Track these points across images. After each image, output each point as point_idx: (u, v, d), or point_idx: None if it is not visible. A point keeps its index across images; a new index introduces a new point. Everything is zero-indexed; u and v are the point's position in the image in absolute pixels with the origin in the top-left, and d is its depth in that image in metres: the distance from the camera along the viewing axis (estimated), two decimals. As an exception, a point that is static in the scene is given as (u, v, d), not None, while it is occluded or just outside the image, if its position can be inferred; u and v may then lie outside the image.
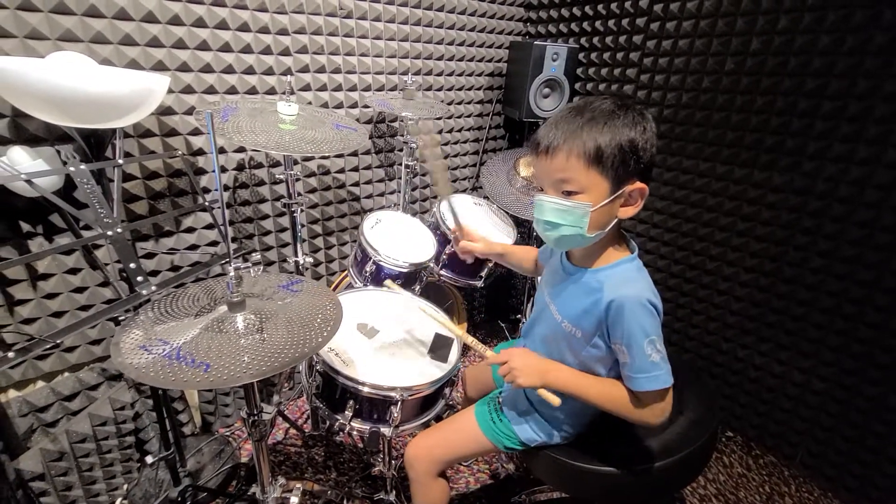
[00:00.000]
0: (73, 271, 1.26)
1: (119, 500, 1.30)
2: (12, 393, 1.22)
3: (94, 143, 1.13)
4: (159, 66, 1.30)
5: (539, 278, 1.11)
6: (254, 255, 0.99)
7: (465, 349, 1.25)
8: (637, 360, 0.81)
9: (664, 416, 0.85)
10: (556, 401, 0.86)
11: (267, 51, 1.50)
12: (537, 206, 0.86)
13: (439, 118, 2.13)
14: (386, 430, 1.03)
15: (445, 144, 2.22)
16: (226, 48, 1.41)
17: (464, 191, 2.38)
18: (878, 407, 1.45)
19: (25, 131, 1.12)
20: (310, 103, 1.66)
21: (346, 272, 1.64)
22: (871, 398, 1.46)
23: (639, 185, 0.82)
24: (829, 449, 1.58)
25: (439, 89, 2.07)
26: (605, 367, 0.91)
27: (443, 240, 1.60)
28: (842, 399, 1.52)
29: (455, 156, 2.29)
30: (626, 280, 0.85)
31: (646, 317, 0.81)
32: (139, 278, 1.01)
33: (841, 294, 1.47)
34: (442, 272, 1.60)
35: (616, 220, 0.85)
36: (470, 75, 2.17)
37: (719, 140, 1.66)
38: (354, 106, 1.79)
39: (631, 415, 0.85)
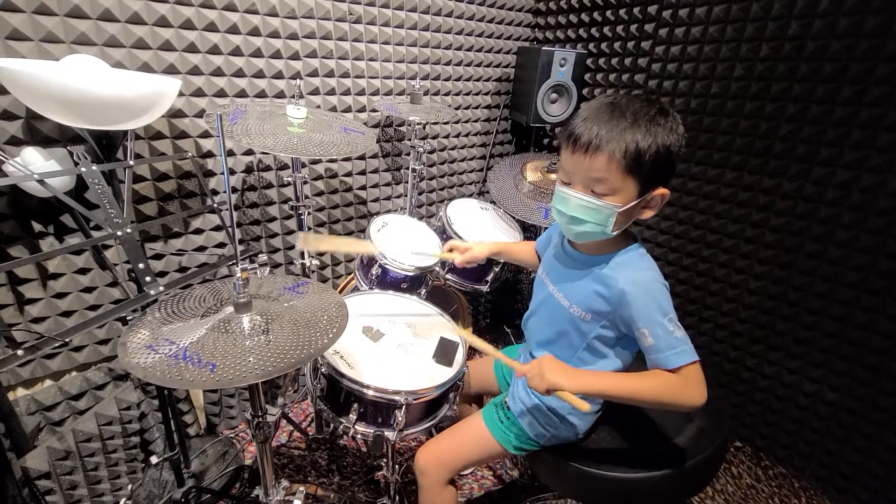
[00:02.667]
0: (83, 271, 1.28)
1: (123, 500, 1.31)
2: (21, 391, 1.23)
3: (106, 145, 1.15)
4: (171, 70, 1.32)
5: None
6: (260, 256, 0.99)
7: (471, 353, 1.24)
8: (664, 339, 0.82)
9: (704, 392, 0.81)
10: (584, 406, 0.82)
11: (277, 55, 1.52)
12: (561, 199, 0.87)
13: (446, 122, 2.13)
14: (390, 435, 1.02)
15: (452, 149, 2.22)
16: (236, 52, 1.43)
17: (470, 195, 2.38)
18: (893, 418, 1.42)
19: (39, 132, 1.14)
20: (318, 107, 1.67)
21: (352, 275, 1.64)
22: (885, 409, 1.43)
23: (662, 190, 0.85)
24: (841, 461, 1.54)
25: (447, 94, 2.08)
26: (610, 347, 0.94)
27: (449, 244, 1.59)
28: (854, 410, 1.49)
29: (462, 160, 2.30)
30: (637, 267, 0.88)
31: (661, 297, 0.83)
32: (147, 278, 1.02)
33: (853, 303, 1.45)
34: (448, 276, 1.59)
35: (634, 219, 0.87)
36: (477, 80, 2.18)
37: (728, 146, 1.65)
38: (362, 110, 1.80)
39: (675, 398, 0.81)
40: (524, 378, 1.05)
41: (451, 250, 1.25)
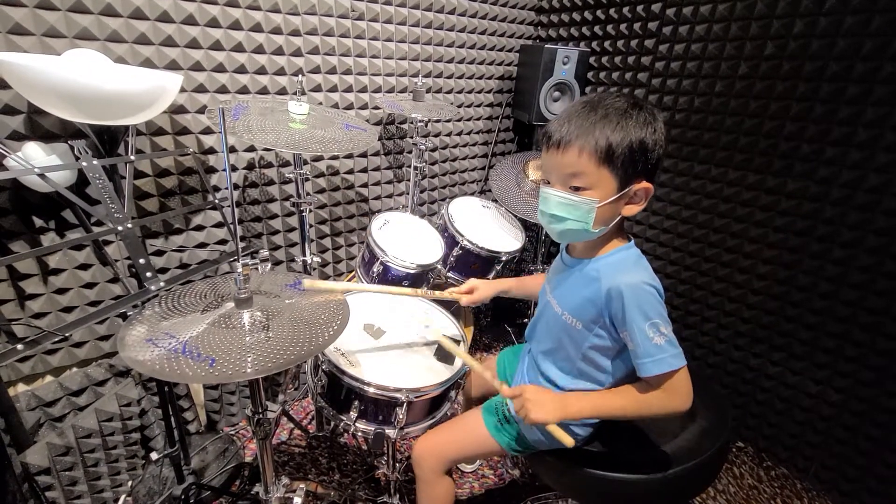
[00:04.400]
0: (84, 267, 1.27)
1: (123, 496, 1.31)
2: (21, 387, 1.23)
3: (107, 140, 1.14)
4: (173, 65, 1.31)
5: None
6: (261, 252, 0.99)
7: (472, 354, 1.23)
8: (641, 346, 0.81)
9: (688, 399, 0.82)
10: (569, 441, 0.85)
11: (279, 51, 1.51)
12: (543, 199, 0.87)
13: (448, 120, 2.13)
14: (391, 432, 1.02)
15: (454, 147, 2.22)
16: (238, 48, 1.42)
17: (472, 194, 2.38)
18: (896, 420, 1.41)
19: (40, 127, 1.13)
20: (320, 104, 1.67)
21: (353, 272, 1.63)
22: (889, 411, 1.42)
23: (645, 184, 0.83)
24: (845, 462, 1.53)
25: (449, 91, 2.07)
26: (608, 359, 0.91)
27: (451, 242, 1.59)
28: (858, 411, 1.48)
29: (464, 158, 2.29)
30: (623, 268, 0.86)
31: (644, 300, 0.81)
32: (148, 274, 1.02)
33: (857, 304, 1.44)
34: (449, 274, 1.59)
35: (619, 217, 0.86)
36: (480, 78, 2.17)
37: (732, 145, 1.64)
38: (364, 107, 1.79)
39: (655, 409, 0.83)
40: (526, 382, 1.05)
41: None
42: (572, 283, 0.93)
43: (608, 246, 0.90)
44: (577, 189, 0.82)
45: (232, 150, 1.52)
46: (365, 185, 1.92)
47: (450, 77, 2.05)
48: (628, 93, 0.87)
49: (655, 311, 0.81)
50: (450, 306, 1.30)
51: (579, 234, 0.86)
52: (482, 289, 1.17)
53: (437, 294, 1.14)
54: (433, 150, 2.13)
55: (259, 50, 1.47)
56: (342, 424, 1.04)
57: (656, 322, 0.80)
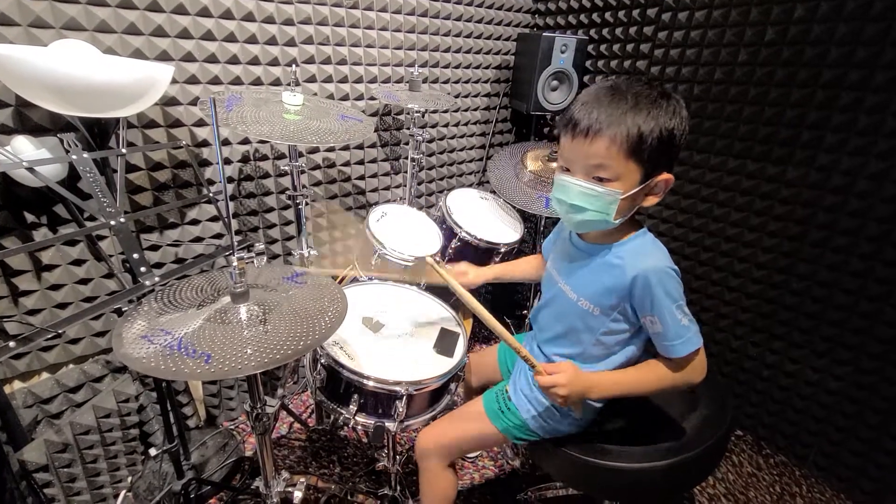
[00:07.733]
0: (78, 262, 1.26)
1: (123, 492, 1.30)
2: (17, 384, 1.22)
3: (98, 133, 1.12)
4: (163, 56, 1.29)
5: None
6: (257, 245, 0.98)
7: (471, 346, 1.22)
8: (671, 328, 0.83)
9: (705, 371, 0.88)
10: (580, 412, 0.92)
11: (272, 41, 1.48)
12: (561, 188, 0.85)
13: (446, 111, 2.11)
14: (391, 426, 1.02)
15: (452, 138, 2.20)
16: (231, 38, 1.39)
17: (470, 185, 2.36)
18: None
19: (29, 121, 1.11)
20: (315, 94, 1.64)
21: (351, 265, 1.62)
22: (889, 398, 1.42)
23: (666, 175, 0.82)
24: (844, 450, 1.54)
25: (446, 81, 2.05)
26: (621, 343, 0.93)
27: (449, 234, 1.58)
28: (858, 399, 1.49)
29: (461, 149, 2.27)
30: (645, 253, 0.86)
31: (671, 284, 0.83)
32: (142, 269, 1.00)
33: (858, 291, 1.43)
34: (447, 266, 1.58)
35: (637, 207, 0.86)
36: (477, 67, 2.15)
37: (731, 133, 1.63)
38: (360, 98, 1.77)
39: (677, 384, 0.87)
40: (526, 368, 1.05)
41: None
42: (591, 271, 0.92)
43: (623, 231, 0.89)
44: (600, 180, 0.80)
45: (226, 142, 1.50)
46: (362, 178, 1.90)
47: (446, 66, 2.02)
48: (651, 81, 0.86)
49: (679, 293, 0.83)
50: (448, 299, 1.29)
51: (598, 225, 0.85)
52: (472, 275, 1.17)
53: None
54: (430, 140, 2.10)
55: (252, 40, 1.44)
56: (342, 418, 1.04)
57: (681, 304, 0.83)
